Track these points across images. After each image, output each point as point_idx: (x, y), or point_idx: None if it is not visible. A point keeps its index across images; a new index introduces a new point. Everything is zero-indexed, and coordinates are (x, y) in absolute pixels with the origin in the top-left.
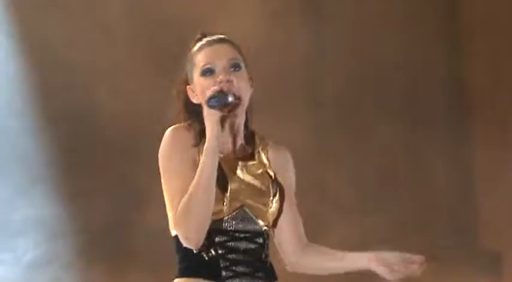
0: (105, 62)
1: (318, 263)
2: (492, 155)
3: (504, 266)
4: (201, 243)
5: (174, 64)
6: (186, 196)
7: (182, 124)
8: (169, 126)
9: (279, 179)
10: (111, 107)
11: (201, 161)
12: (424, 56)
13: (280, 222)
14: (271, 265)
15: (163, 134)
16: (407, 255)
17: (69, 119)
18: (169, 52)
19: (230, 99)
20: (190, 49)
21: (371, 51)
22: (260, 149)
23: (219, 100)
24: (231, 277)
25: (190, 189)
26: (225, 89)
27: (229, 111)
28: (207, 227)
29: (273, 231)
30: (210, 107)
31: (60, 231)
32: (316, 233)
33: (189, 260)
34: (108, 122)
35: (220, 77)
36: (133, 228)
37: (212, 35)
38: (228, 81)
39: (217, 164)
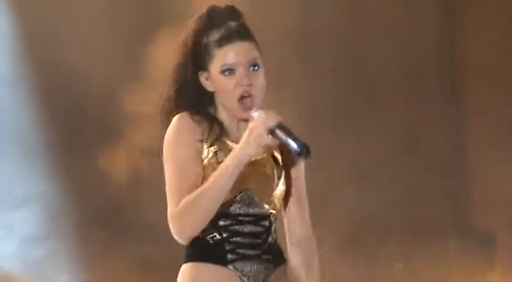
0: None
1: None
2: (486, 135)
3: (498, 244)
4: (189, 241)
5: None
6: (193, 196)
7: (188, 113)
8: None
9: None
10: (106, 83)
11: (225, 163)
12: (420, 27)
13: (289, 204)
14: (279, 248)
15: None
16: None
17: (67, 97)
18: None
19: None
20: (201, 25)
21: (365, 23)
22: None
23: (305, 149)
24: (236, 260)
25: (200, 190)
26: (246, 94)
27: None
28: (202, 227)
29: (283, 214)
30: (299, 155)
31: (58, 208)
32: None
33: (195, 245)
34: (102, 99)
35: (244, 80)
36: (131, 205)
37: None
38: (250, 85)
39: (236, 176)
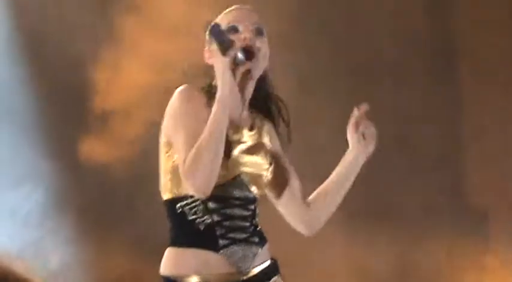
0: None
1: (327, 202)
2: (477, 114)
3: (491, 224)
4: (209, 194)
5: None
6: (196, 145)
7: (191, 87)
8: None
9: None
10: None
11: (213, 111)
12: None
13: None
14: (261, 230)
15: None
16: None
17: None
18: None
19: (240, 56)
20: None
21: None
22: (260, 119)
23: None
24: (227, 245)
25: (201, 138)
26: (237, 44)
27: (248, 73)
28: (214, 180)
29: (280, 203)
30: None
31: (56, 186)
32: None
33: (182, 228)
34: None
35: (246, 35)
36: (129, 185)
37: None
38: (254, 45)
39: (228, 114)
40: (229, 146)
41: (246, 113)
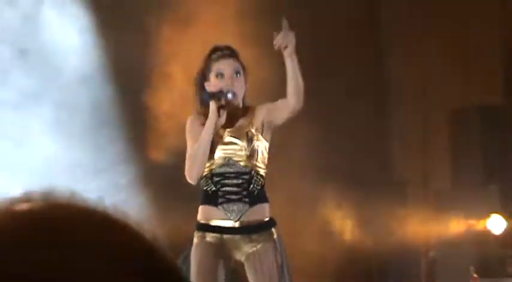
0: None
1: (290, 84)
2: (404, 132)
3: (410, 195)
4: (196, 181)
5: None
6: (192, 153)
7: (194, 115)
8: None
9: (267, 116)
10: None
11: (202, 133)
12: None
13: (276, 119)
14: (259, 193)
15: None
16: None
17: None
18: None
19: (230, 96)
20: (207, 57)
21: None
22: (247, 114)
23: (216, 96)
24: (223, 202)
25: (194, 150)
26: (225, 90)
27: (227, 103)
28: (201, 173)
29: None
30: (209, 97)
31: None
32: None
33: (203, 193)
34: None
35: (229, 81)
36: None
37: (222, 48)
38: (232, 84)
39: (211, 136)
40: (213, 146)
41: (236, 117)
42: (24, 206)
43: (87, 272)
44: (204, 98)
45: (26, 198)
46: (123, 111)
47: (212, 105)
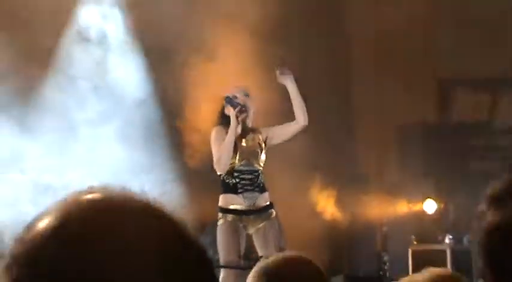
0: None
1: (295, 104)
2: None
3: (370, 185)
4: (224, 173)
5: None
6: (219, 151)
7: (217, 127)
8: None
9: (270, 134)
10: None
11: (227, 136)
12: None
13: (280, 136)
14: (263, 184)
15: None
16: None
17: None
18: None
19: (240, 105)
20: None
21: None
22: (256, 131)
23: (234, 103)
24: (242, 191)
25: (222, 148)
26: (241, 101)
27: (241, 112)
28: (227, 166)
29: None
30: (228, 102)
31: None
32: None
33: (223, 185)
34: None
35: (242, 100)
36: None
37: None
38: (244, 101)
39: (234, 137)
40: (236, 147)
41: (249, 128)
42: (89, 196)
43: (133, 243)
44: (226, 101)
45: (91, 189)
46: (167, 127)
47: (232, 113)
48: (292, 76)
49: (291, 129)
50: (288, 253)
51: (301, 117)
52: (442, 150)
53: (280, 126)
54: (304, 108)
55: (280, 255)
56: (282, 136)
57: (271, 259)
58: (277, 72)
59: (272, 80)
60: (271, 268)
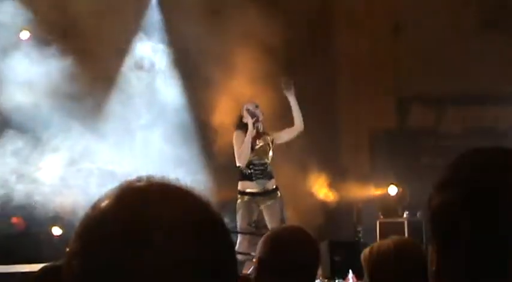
0: None
1: (295, 114)
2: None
3: (349, 175)
4: (244, 166)
5: None
6: (241, 150)
7: (237, 131)
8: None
9: (276, 136)
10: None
11: (245, 138)
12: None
13: (283, 138)
14: (272, 173)
15: None
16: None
17: None
18: None
19: (257, 116)
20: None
21: None
22: (265, 134)
23: (253, 113)
24: (256, 179)
25: (242, 148)
26: (257, 113)
27: (256, 122)
28: (246, 161)
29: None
30: (249, 113)
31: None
32: None
33: (241, 174)
34: None
35: (255, 111)
36: None
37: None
38: (258, 115)
39: (251, 138)
40: (253, 145)
41: (261, 132)
42: (139, 183)
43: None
44: (248, 112)
45: (141, 178)
46: (200, 130)
47: (250, 122)
48: (293, 91)
49: (291, 133)
50: (289, 224)
51: (298, 124)
52: (401, 149)
53: (284, 130)
54: (301, 117)
55: (283, 225)
56: (284, 138)
57: (275, 228)
58: (283, 86)
59: (276, 90)
60: (276, 235)
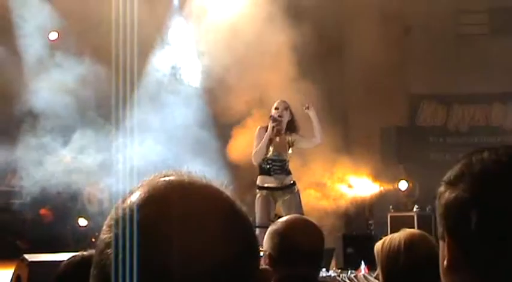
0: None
1: (316, 128)
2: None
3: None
4: (258, 163)
5: None
6: (257, 148)
7: (260, 127)
8: None
9: (297, 139)
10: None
11: (264, 138)
12: None
13: (302, 145)
14: (289, 170)
15: None
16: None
17: None
18: None
19: (278, 119)
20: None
21: None
22: (287, 134)
23: (274, 118)
24: (275, 174)
25: (260, 145)
26: (275, 116)
27: (277, 125)
28: (260, 159)
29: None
30: (272, 120)
31: None
32: None
33: (261, 169)
34: None
35: (280, 112)
36: None
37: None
38: (280, 113)
39: (267, 141)
40: (269, 143)
41: (282, 132)
42: (166, 177)
43: (200, 209)
44: (271, 118)
45: (167, 172)
46: (216, 130)
47: (270, 125)
48: (313, 109)
49: (309, 144)
50: (292, 216)
51: (318, 137)
52: (411, 146)
53: (304, 137)
54: (321, 132)
55: (286, 218)
56: (303, 145)
57: (279, 222)
58: (304, 107)
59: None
60: (281, 228)
